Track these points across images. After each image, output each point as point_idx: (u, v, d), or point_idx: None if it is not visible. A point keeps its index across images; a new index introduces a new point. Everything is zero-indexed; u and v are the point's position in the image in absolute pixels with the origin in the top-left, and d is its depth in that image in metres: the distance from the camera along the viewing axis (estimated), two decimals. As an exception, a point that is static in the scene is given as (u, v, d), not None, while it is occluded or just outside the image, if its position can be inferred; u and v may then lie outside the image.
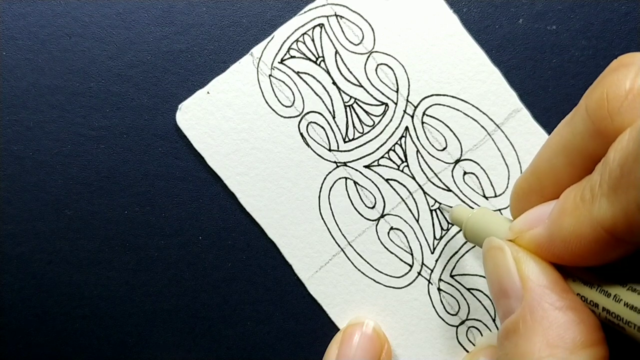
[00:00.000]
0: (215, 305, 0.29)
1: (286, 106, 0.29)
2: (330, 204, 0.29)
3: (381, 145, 0.29)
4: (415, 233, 0.29)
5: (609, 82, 0.18)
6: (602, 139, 0.18)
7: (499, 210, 0.28)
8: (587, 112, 0.18)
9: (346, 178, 0.29)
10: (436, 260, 0.29)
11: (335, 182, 0.29)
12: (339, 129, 0.29)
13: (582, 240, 0.18)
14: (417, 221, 0.29)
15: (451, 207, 0.27)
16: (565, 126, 0.20)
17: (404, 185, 0.29)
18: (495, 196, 0.29)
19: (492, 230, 0.23)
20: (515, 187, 0.22)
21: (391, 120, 0.29)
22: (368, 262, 0.29)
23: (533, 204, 0.21)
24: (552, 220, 0.19)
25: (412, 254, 0.29)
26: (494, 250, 0.21)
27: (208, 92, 0.29)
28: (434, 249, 0.29)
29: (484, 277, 0.29)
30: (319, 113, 0.29)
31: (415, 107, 0.29)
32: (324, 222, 0.29)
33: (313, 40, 0.29)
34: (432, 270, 0.29)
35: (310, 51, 0.29)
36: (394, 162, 0.29)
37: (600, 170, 0.17)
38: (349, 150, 0.29)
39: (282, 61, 0.29)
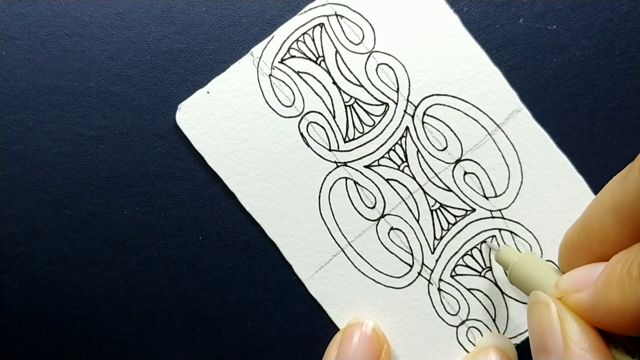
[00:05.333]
0: (215, 305, 0.29)
1: (286, 106, 0.29)
2: (330, 204, 0.29)
3: (381, 145, 0.29)
4: (415, 233, 0.29)
5: None
6: None
7: (500, 210, 0.28)
8: None
9: (346, 178, 0.29)
10: (436, 261, 0.29)
11: (335, 182, 0.29)
12: (339, 129, 0.29)
13: (626, 315, 0.18)
14: (418, 221, 0.29)
15: (499, 246, 0.27)
16: (616, 185, 0.20)
17: (404, 185, 0.29)
18: (496, 196, 0.29)
19: (539, 280, 0.23)
20: (565, 239, 0.22)
21: (391, 120, 0.29)
22: (368, 262, 0.29)
23: (581, 259, 0.21)
24: (597, 290, 0.19)
25: (412, 254, 0.29)
26: (539, 305, 0.21)
27: (208, 92, 0.29)
28: (434, 249, 0.29)
29: (484, 277, 0.28)
30: (319, 113, 0.29)
31: (416, 107, 0.29)
32: (324, 222, 0.29)
33: (313, 39, 0.29)
34: (432, 271, 0.29)
35: (311, 51, 0.29)
36: (394, 162, 0.29)
37: None
38: (349, 150, 0.29)
39: (282, 61, 0.29)
